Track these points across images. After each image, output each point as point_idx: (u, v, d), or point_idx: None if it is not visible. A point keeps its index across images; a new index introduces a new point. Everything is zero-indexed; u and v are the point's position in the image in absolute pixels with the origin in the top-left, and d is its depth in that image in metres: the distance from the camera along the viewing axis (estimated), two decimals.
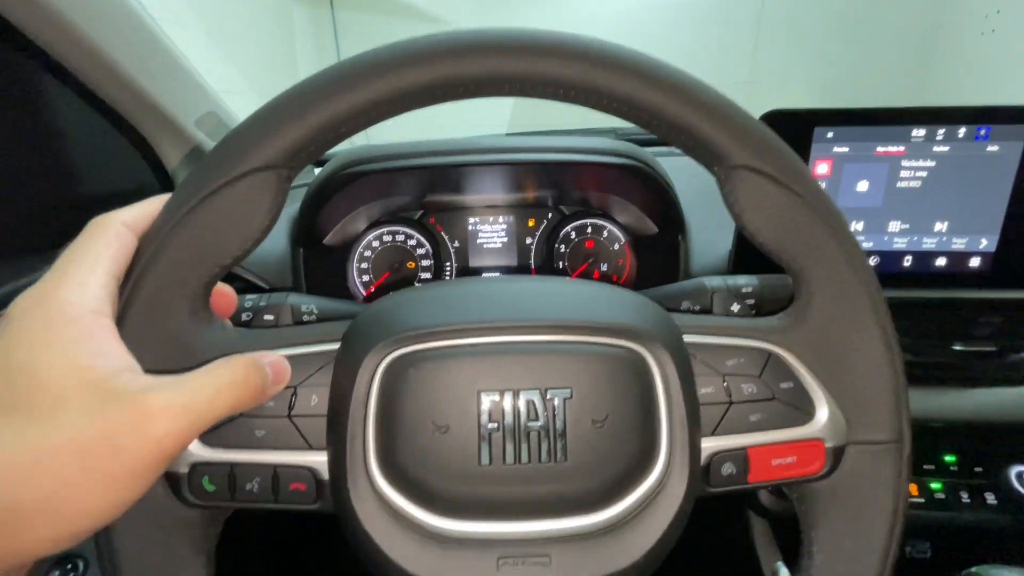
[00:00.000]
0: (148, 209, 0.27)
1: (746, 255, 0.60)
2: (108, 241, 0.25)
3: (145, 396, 0.21)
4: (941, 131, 0.55)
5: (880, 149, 0.56)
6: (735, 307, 0.39)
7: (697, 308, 0.42)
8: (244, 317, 0.38)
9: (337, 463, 0.28)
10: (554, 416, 0.27)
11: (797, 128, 0.56)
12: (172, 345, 0.27)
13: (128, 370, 0.23)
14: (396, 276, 0.70)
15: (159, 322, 0.26)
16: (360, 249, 0.69)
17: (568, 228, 0.70)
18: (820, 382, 0.30)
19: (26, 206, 0.51)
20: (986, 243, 0.58)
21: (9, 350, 0.21)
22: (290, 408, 0.29)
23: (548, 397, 0.28)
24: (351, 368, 0.28)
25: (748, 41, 3.10)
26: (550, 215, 0.70)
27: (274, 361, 0.27)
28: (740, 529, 0.71)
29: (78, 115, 0.51)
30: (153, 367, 0.25)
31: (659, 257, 0.67)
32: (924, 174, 0.56)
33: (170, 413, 0.21)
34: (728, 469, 0.30)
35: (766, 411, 0.30)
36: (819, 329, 0.30)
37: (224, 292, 0.32)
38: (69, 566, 0.44)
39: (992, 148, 0.55)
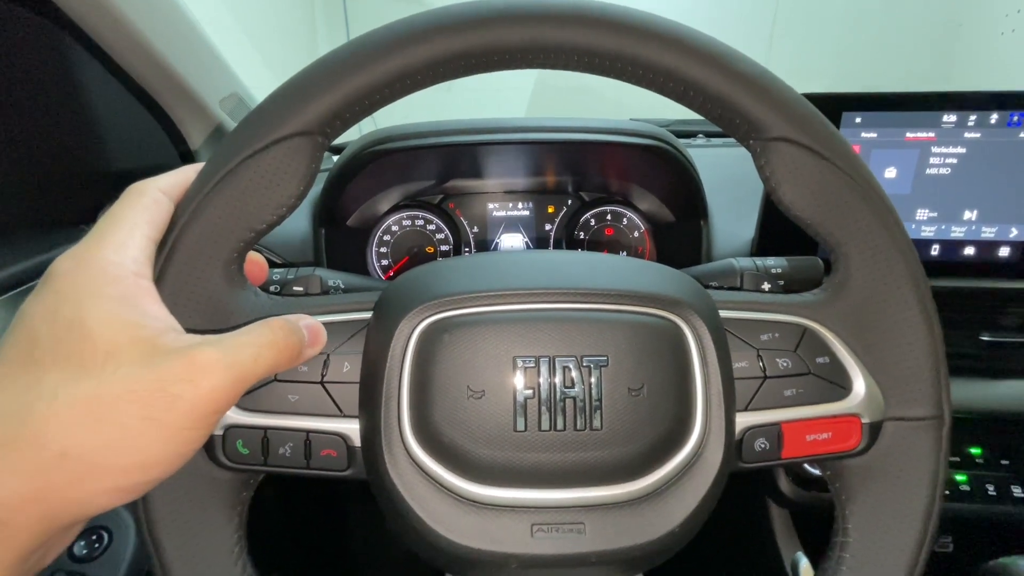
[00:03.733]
0: (183, 176, 0.28)
1: (770, 241, 0.59)
2: (146, 205, 0.25)
3: (194, 351, 0.21)
4: (973, 117, 0.54)
5: (910, 135, 0.55)
6: (765, 286, 0.38)
7: (726, 288, 0.41)
8: (272, 290, 0.38)
9: (371, 428, 0.28)
10: (590, 384, 0.27)
11: (824, 112, 0.55)
12: (208, 307, 0.27)
13: (173, 329, 0.23)
14: (415, 260, 0.70)
15: (195, 284, 0.27)
16: (380, 233, 0.69)
17: (588, 215, 0.70)
18: (857, 357, 0.30)
19: (52, 180, 0.51)
20: (1016, 232, 0.57)
21: (55, 306, 0.22)
22: (323, 375, 0.29)
23: (584, 365, 0.27)
24: (385, 333, 0.28)
25: (763, 37, 3.08)
26: (570, 201, 0.70)
27: (310, 324, 0.27)
28: (761, 519, 0.70)
29: (104, 90, 0.52)
30: (190, 328, 0.25)
31: (679, 245, 0.66)
32: (954, 161, 0.55)
33: (218, 368, 0.22)
34: (762, 444, 0.29)
35: (801, 386, 0.30)
36: (857, 303, 0.29)
37: (256, 261, 0.32)
38: (95, 537, 0.45)
39: None
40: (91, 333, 0.21)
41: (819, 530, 0.31)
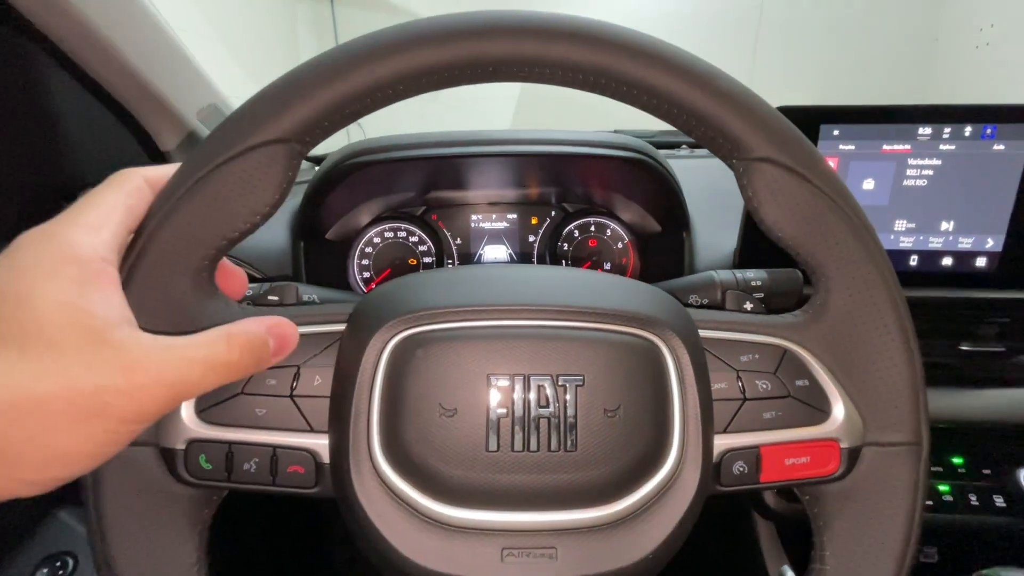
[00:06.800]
0: (171, 171, 0.27)
1: (752, 253, 0.60)
2: (128, 192, 0.25)
3: (137, 360, 0.21)
4: (947, 130, 0.55)
5: (886, 147, 0.56)
6: (748, 305, 0.38)
7: (706, 301, 0.41)
8: (246, 304, 0.37)
9: (339, 444, 0.27)
10: (565, 404, 0.27)
11: (803, 125, 0.55)
12: (174, 315, 0.26)
13: (127, 323, 0.22)
14: (397, 273, 0.69)
15: (162, 290, 0.26)
16: (361, 245, 0.68)
17: (571, 226, 0.69)
18: (836, 380, 0.29)
19: (21, 192, 0.50)
20: (992, 243, 0.57)
21: (10, 280, 0.21)
22: (292, 388, 0.28)
23: (559, 384, 0.27)
24: (358, 347, 0.27)
25: (746, 53, 3.13)
26: (553, 213, 0.70)
27: (281, 333, 0.25)
28: (746, 532, 0.70)
29: (77, 102, 0.51)
30: (150, 329, 0.24)
31: (663, 256, 0.66)
32: (930, 173, 0.56)
33: (159, 384, 0.21)
34: (740, 468, 0.29)
35: (780, 409, 0.29)
36: (837, 326, 0.29)
37: (236, 274, 0.31)
38: (58, 563, 0.43)
39: (998, 147, 0.55)
40: (39, 315, 0.20)
41: (805, 543, 0.30)
